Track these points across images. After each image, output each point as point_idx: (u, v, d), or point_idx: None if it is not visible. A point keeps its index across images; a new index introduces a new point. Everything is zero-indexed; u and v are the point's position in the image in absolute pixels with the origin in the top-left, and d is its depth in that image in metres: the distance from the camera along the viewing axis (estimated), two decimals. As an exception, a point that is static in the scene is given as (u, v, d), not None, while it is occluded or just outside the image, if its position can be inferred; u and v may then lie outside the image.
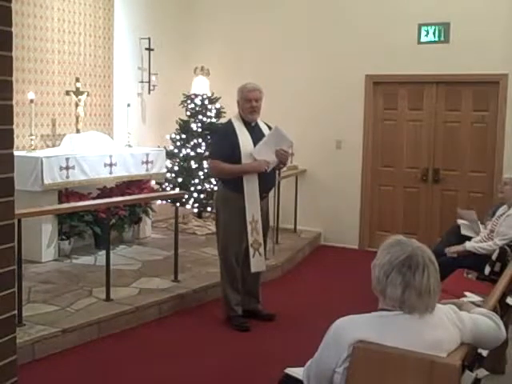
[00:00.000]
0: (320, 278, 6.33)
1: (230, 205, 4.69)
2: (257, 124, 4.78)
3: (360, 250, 7.47)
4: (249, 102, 4.64)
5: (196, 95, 7.66)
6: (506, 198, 5.05)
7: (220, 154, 4.64)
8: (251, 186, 4.64)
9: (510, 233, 4.74)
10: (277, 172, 5.13)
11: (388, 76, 7.25)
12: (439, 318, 2.20)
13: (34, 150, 5.92)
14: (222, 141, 4.73)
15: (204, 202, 7.61)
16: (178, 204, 5.81)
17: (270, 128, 4.85)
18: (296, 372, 2.49)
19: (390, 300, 2.18)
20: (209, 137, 7.46)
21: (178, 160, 7.57)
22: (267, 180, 4.78)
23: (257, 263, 4.77)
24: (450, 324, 2.22)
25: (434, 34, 7.00)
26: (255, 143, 4.64)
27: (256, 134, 4.70)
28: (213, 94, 7.76)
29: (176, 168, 7.54)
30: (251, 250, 4.72)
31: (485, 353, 2.42)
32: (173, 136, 7.65)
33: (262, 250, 4.78)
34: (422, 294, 2.13)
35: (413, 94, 7.29)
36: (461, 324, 2.24)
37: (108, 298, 4.84)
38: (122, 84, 7.47)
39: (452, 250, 5.05)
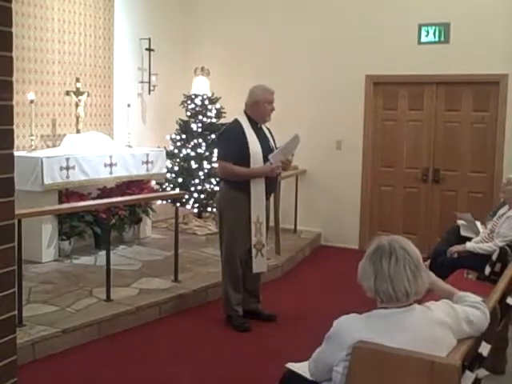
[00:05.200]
0: (320, 278, 6.33)
1: (234, 205, 4.66)
2: (261, 125, 4.79)
3: (360, 250, 7.44)
4: (270, 104, 4.66)
5: (196, 95, 7.66)
6: (507, 197, 5.05)
7: (231, 156, 4.58)
8: (258, 188, 4.64)
9: (510, 234, 4.74)
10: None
11: (388, 76, 7.25)
12: (437, 314, 2.23)
13: (34, 150, 5.92)
14: (233, 142, 4.62)
15: (204, 202, 7.61)
16: (178, 204, 5.81)
17: (269, 130, 4.88)
18: (298, 368, 2.50)
19: (369, 291, 2.22)
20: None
21: (178, 160, 7.57)
22: (272, 183, 4.80)
23: (259, 264, 4.77)
24: (449, 320, 2.25)
25: (434, 34, 7.00)
26: (262, 145, 4.63)
27: (261, 136, 4.71)
28: (213, 95, 7.76)
29: (176, 168, 7.54)
30: (254, 251, 4.72)
31: (485, 353, 2.42)
32: (173, 136, 7.65)
33: (264, 250, 4.78)
34: (393, 279, 2.16)
35: (413, 95, 7.29)
36: (456, 318, 2.28)
37: (108, 299, 4.84)
38: (122, 84, 7.48)
39: (453, 250, 5.05)
